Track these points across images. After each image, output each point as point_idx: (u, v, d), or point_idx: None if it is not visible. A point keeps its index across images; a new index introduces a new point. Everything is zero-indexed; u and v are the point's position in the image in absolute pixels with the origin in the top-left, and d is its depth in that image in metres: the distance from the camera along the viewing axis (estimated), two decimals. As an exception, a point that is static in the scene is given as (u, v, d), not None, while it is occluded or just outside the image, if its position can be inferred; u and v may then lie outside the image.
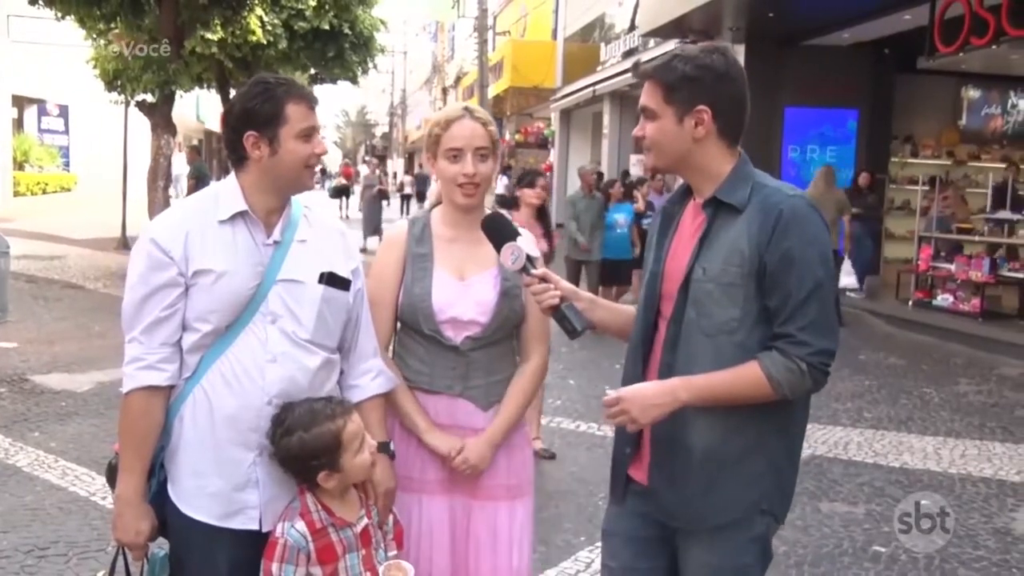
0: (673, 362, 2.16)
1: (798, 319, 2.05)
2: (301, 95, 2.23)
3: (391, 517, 2.42)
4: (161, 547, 2.29)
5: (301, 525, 2.19)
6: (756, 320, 2.10)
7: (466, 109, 2.56)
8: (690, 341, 2.15)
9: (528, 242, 2.33)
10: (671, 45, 16.31)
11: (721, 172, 2.19)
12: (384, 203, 20.61)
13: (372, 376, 2.43)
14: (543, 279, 2.27)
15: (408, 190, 34.44)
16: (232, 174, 2.29)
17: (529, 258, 2.27)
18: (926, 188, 13.68)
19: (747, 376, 2.07)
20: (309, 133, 2.23)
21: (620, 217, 10.66)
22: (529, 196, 6.52)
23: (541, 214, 6.68)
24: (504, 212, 2.61)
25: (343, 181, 30.62)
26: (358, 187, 27.21)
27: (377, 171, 20.84)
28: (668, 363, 2.18)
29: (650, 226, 2.44)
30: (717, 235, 2.14)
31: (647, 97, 2.20)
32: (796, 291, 2.05)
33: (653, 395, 2.10)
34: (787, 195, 2.13)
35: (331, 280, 2.30)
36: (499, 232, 2.34)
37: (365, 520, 2.30)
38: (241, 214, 2.24)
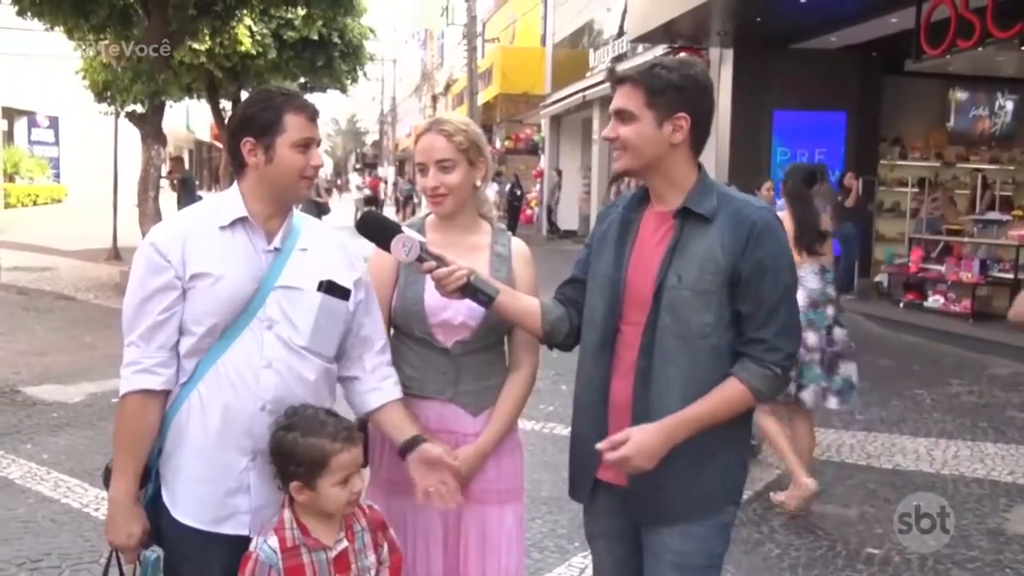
0: (649, 366, 2.23)
1: (773, 324, 2.19)
2: (301, 106, 2.26)
3: (385, 546, 2.36)
4: (154, 550, 2.29)
5: (274, 540, 2.17)
6: (728, 324, 2.22)
7: (436, 121, 2.58)
8: (665, 345, 2.22)
9: (413, 232, 2.34)
10: (659, 51, 16.43)
11: (687, 181, 2.28)
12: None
13: (393, 381, 2.45)
14: (440, 260, 2.29)
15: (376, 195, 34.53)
16: (235, 182, 2.33)
17: (422, 245, 2.29)
18: (915, 190, 13.73)
19: (732, 397, 2.20)
20: (306, 144, 2.25)
21: None
22: None
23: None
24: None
25: (368, 192, 30.85)
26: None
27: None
28: (644, 367, 2.23)
29: (597, 232, 2.46)
30: (688, 244, 2.22)
31: (625, 99, 2.25)
32: (770, 296, 2.19)
33: (658, 445, 2.16)
34: (756, 208, 2.25)
35: (330, 288, 2.31)
36: (379, 230, 2.33)
37: (344, 544, 2.24)
38: (241, 220, 2.26)
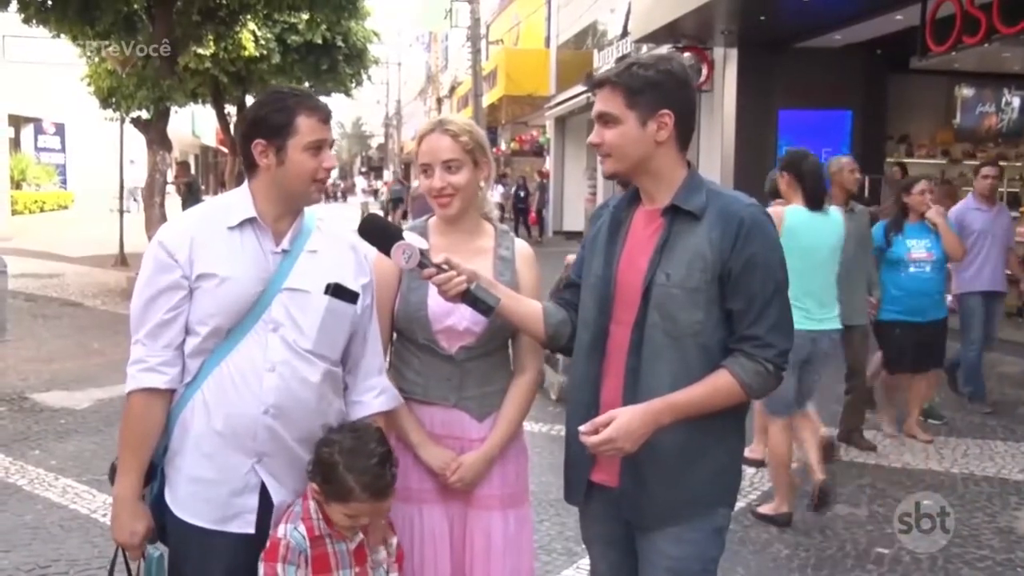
0: (638, 365, 2.22)
1: (764, 320, 2.17)
2: (314, 107, 2.24)
3: (395, 540, 2.41)
4: (157, 548, 2.30)
5: (303, 528, 2.21)
6: (718, 322, 2.20)
7: (439, 122, 2.57)
8: (654, 343, 2.20)
9: (414, 236, 2.33)
10: (664, 51, 16.40)
11: (675, 179, 2.26)
12: None
13: (376, 393, 2.43)
14: (442, 267, 2.27)
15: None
16: (245, 182, 2.32)
17: (423, 252, 2.28)
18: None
19: (722, 387, 2.17)
20: (319, 146, 2.23)
21: (919, 246, 6.14)
22: None
23: None
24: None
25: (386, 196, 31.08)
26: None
27: None
28: (633, 366, 2.22)
29: (590, 233, 2.44)
30: (677, 241, 2.20)
31: (606, 103, 2.24)
32: (761, 293, 2.17)
33: (641, 426, 2.13)
34: (745, 204, 2.22)
35: (337, 291, 2.30)
36: (380, 235, 2.32)
37: (360, 537, 2.30)
38: (250, 221, 2.25)
